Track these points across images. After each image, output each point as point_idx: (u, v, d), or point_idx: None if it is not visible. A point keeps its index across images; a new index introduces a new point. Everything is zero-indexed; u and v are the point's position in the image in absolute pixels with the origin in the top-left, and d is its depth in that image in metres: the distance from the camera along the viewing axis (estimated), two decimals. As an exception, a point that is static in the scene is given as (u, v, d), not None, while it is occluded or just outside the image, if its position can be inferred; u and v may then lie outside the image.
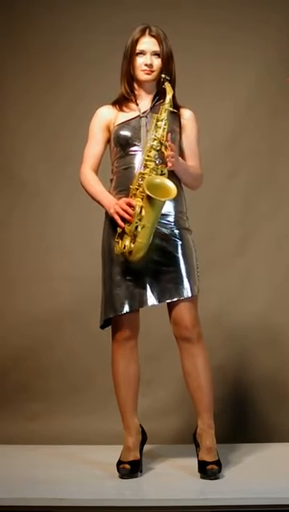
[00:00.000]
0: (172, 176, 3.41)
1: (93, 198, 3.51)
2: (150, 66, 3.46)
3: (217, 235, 4.41)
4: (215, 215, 4.45)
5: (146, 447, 3.58)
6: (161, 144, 3.37)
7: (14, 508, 3.12)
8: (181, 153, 3.51)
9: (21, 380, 4.42)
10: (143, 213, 3.32)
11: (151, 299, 3.42)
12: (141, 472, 3.48)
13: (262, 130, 4.47)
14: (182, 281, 3.41)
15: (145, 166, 3.37)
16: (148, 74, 3.47)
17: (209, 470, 3.35)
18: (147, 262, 3.39)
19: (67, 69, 4.54)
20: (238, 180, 4.48)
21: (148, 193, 3.28)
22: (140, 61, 3.47)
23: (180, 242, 3.45)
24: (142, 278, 3.42)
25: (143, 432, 3.56)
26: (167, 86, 3.40)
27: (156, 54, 3.46)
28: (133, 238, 3.34)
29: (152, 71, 3.47)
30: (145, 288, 3.43)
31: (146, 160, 3.38)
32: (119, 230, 3.39)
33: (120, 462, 3.46)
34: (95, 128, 3.54)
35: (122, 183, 3.46)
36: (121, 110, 3.52)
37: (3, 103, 4.57)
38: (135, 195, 3.37)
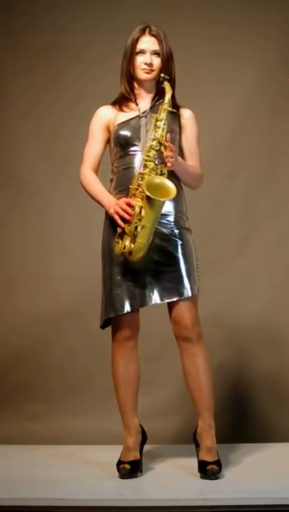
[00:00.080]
0: (172, 176, 3.41)
1: (93, 198, 3.51)
2: (150, 65, 3.46)
3: (217, 235, 4.41)
4: (215, 215, 4.45)
5: (146, 447, 3.58)
6: (160, 144, 3.37)
7: (14, 508, 3.12)
8: (181, 153, 3.52)
9: (21, 380, 4.42)
10: (142, 213, 3.32)
11: (151, 299, 3.42)
12: (141, 472, 3.48)
13: (262, 130, 4.47)
14: (182, 280, 3.41)
15: (145, 166, 3.37)
16: (147, 73, 3.47)
17: (209, 470, 3.35)
18: (147, 261, 3.39)
19: (67, 69, 4.54)
20: (238, 180, 4.47)
21: (147, 193, 3.27)
22: (140, 60, 3.47)
23: (180, 242, 3.45)
24: (142, 277, 3.42)
25: (143, 432, 3.56)
26: (166, 85, 3.40)
27: (156, 53, 3.46)
28: (133, 238, 3.34)
29: (152, 70, 3.47)
30: (145, 288, 3.43)
31: (145, 160, 3.38)
32: (119, 230, 3.39)
33: (120, 462, 3.46)
34: (95, 127, 3.54)
35: (122, 183, 3.46)
36: (121, 110, 3.52)
37: (3, 103, 4.57)
38: (134, 195, 3.37)
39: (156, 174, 3.35)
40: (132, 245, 3.34)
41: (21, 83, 4.56)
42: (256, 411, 4.27)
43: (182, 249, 3.44)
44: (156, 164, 3.37)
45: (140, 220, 3.33)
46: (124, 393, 3.51)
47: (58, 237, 4.51)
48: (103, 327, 3.52)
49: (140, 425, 3.55)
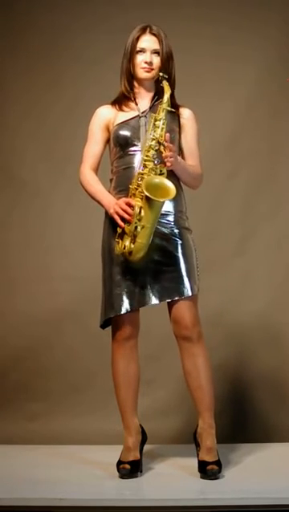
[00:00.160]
0: (172, 175, 3.40)
1: (93, 198, 3.50)
2: (150, 63, 3.46)
3: (217, 235, 4.41)
4: (215, 215, 4.45)
5: (146, 447, 3.58)
6: (160, 143, 3.37)
7: (14, 508, 3.12)
8: (181, 153, 3.52)
9: (21, 380, 4.42)
10: (142, 213, 3.32)
11: (151, 299, 3.42)
12: (141, 472, 3.48)
13: (262, 130, 4.47)
14: (182, 280, 3.41)
15: (144, 166, 3.37)
16: (147, 72, 3.47)
17: (209, 470, 3.35)
18: (147, 261, 3.39)
19: (67, 69, 4.54)
20: (238, 180, 4.47)
21: (146, 193, 3.27)
22: (140, 58, 3.47)
23: (180, 242, 3.45)
24: (142, 277, 3.42)
25: (143, 432, 3.56)
26: (165, 85, 3.39)
27: (156, 52, 3.47)
28: (133, 239, 3.34)
29: (152, 69, 3.47)
30: (145, 288, 3.43)
31: (145, 160, 3.37)
32: (119, 230, 3.39)
33: (120, 462, 3.46)
34: (95, 127, 3.54)
35: (122, 183, 3.46)
36: (120, 109, 3.51)
37: (3, 103, 4.57)
38: (134, 195, 3.37)
39: (156, 174, 3.35)
40: (132, 246, 3.34)
41: (21, 83, 4.56)
42: (256, 411, 4.27)
43: (182, 248, 3.44)
44: (155, 164, 3.37)
45: (139, 220, 3.33)
46: (124, 393, 3.51)
47: (58, 237, 4.51)
48: (103, 326, 3.52)
49: (140, 425, 3.55)
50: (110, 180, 3.54)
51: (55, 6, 4.55)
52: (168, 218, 3.45)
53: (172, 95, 3.43)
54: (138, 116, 3.48)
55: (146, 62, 3.46)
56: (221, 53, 4.45)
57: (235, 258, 4.43)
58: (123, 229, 3.36)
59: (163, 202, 3.31)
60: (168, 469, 3.59)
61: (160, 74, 3.42)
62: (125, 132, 3.47)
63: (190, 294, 3.41)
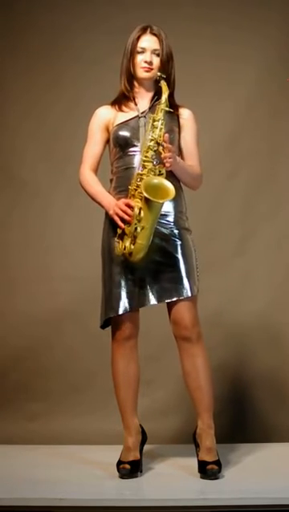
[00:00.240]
0: (172, 176, 3.40)
1: (93, 199, 3.50)
2: (150, 63, 3.46)
3: (217, 235, 4.41)
4: (215, 215, 4.45)
5: (146, 447, 3.58)
6: (158, 144, 3.36)
7: (14, 508, 3.12)
8: (180, 153, 3.52)
9: (21, 380, 4.42)
10: (142, 214, 3.32)
11: (151, 299, 3.42)
12: (141, 472, 3.48)
13: (262, 130, 4.47)
14: (182, 281, 3.41)
15: (143, 167, 3.37)
16: (147, 71, 3.47)
17: (209, 470, 3.35)
18: (147, 261, 3.39)
19: (67, 69, 4.54)
20: (238, 180, 4.47)
21: (145, 194, 3.27)
22: (140, 58, 3.47)
23: (179, 242, 3.45)
24: (142, 277, 3.42)
25: (143, 432, 3.56)
26: (163, 85, 3.39)
27: (156, 52, 3.47)
28: (133, 239, 3.34)
29: (152, 69, 3.47)
30: (145, 288, 3.43)
31: (144, 161, 3.37)
32: (119, 231, 3.39)
33: (120, 462, 3.46)
34: (94, 128, 3.54)
35: (122, 183, 3.46)
36: (120, 110, 3.51)
37: (3, 103, 4.58)
38: (134, 196, 3.37)
39: (155, 175, 3.35)
40: (132, 246, 3.34)
41: (21, 83, 4.56)
42: (255, 411, 4.27)
43: (182, 249, 3.44)
44: (154, 165, 3.37)
45: (139, 221, 3.33)
46: (124, 393, 3.51)
47: (58, 237, 4.51)
48: (103, 327, 3.52)
49: (140, 425, 3.55)
50: (110, 181, 3.54)
51: (55, 6, 4.55)
52: (167, 219, 3.45)
53: (171, 96, 3.43)
54: (137, 117, 3.48)
55: (146, 62, 3.46)
56: (221, 53, 4.45)
57: (235, 258, 4.43)
58: (123, 229, 3.36)
59: (162, 203, 3.30)
60: (168, 469, 3.59)
61: (158, 74, 3.42)
62: (125, 133, 3.47)
63: (190, 294, 3.41)
